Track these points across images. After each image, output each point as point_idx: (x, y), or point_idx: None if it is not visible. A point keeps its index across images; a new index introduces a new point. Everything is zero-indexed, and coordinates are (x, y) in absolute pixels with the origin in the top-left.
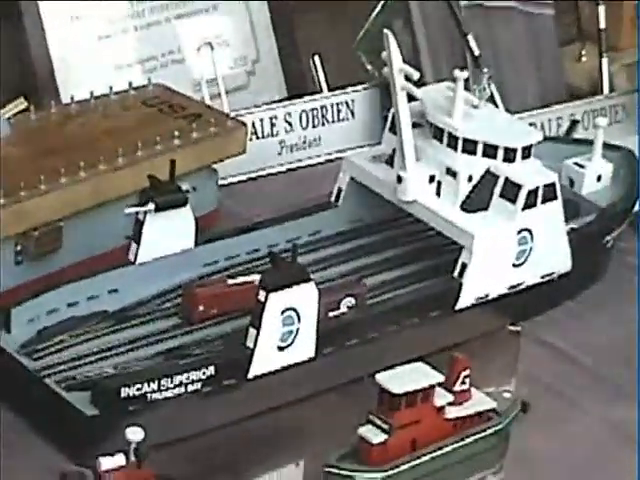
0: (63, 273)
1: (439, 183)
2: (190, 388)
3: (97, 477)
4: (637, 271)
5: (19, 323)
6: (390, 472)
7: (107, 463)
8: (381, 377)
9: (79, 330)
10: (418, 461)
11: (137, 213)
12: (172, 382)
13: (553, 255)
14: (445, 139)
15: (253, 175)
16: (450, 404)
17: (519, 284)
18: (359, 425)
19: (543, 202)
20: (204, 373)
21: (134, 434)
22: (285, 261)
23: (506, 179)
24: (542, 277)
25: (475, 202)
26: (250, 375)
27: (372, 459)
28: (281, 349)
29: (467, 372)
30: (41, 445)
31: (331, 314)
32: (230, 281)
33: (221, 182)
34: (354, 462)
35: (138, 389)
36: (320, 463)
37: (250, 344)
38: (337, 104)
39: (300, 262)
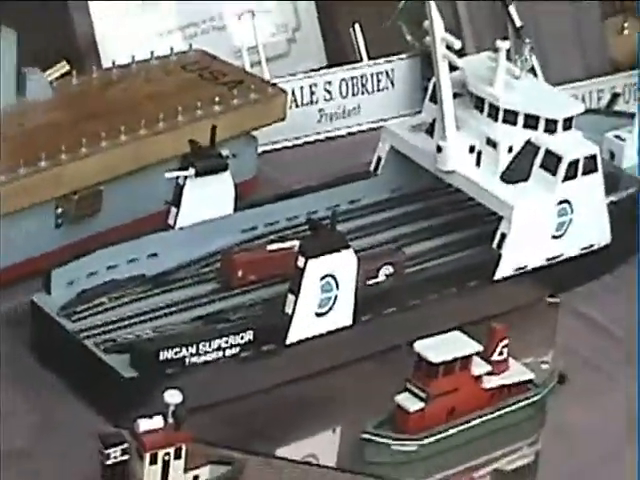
0: (103, 236)
1: (479, 153)
2: (228, 353)
3: (135, 439)
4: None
5: (59, 285)
6: (426, 440)
7: (145, 425)
8: (419, 345)
9: (118, 293)
10: (455, 430)
11: (177, 178)
12: (210, 346)
13: (592, 227)
14: (486, 109)
15: (292, 143)
16: (488, 374)
17: (558, 256)
18: (396, 393)
19: (584, 174)
20: (242, 338)
21: (172, 397)
22: (324, 228)
23: (547, 150)
24: (581, 249)
25: (515, 173)
26: (288, 341)
27: (409, 427)
28: (319, 315)
29: (505, 342)
30: (80, 406)
31: (369, 282)
32: (269, 247)
33: (260, 149)
34: (391, 430)
35: (176, 352)
36: (356, 430)
37: (288, 310)
38: (377, 73)
39: (339, 229)
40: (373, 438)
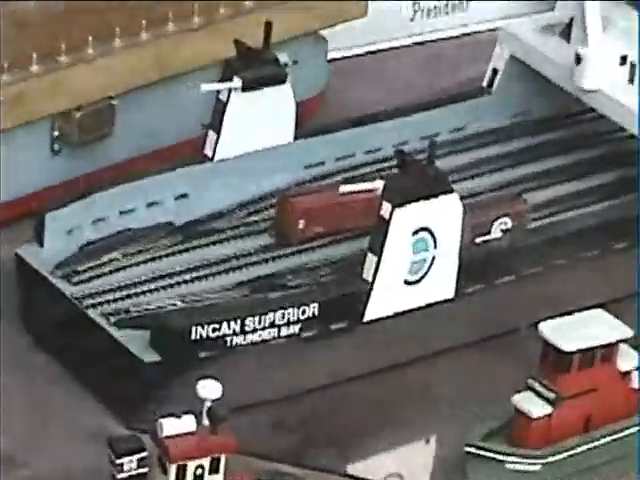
0: (115, 170)
1: (633, 66)
2: (284, 332)
3: (157, 445)
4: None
5: (55, 234)
6: (554, 457)
7: (171, 427)
8: (546, 328)
9: (136, 247)
10: (592, 444)
11: (218, 92)
12: (260, 322)
13: None
14: None
15: (375, 48)
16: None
17: None
18: (514, 392)
19: None
20: (304, 312)
21: (209, 390)
22: (418, 165)
23: None
24: None
25: None
26: (367, 317)
27: (530, 438)
28: (409, 284)
29: None
30: (83, 400)
31: (479, 239)
32: (342, 188)
33: (331, 55)
34: (505, 442)
35: (215, 329)
36: (458, 441)
37: (368, 276)
38: None
39: (438, 167)
40: (481, 452)
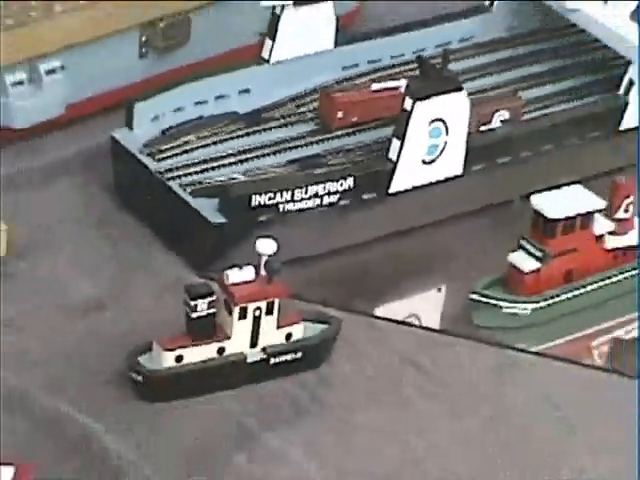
0: (191, 69)
1: None
2: (326, 200)
3: (224, 291)
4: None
5: (142, 120)
6: (541, 304)
7: (235, 276)
8: (536, 200)
9: (207, 131)
10: (572, 293)
11: (274, 7)
12: (307, 193)
13: None
14: None
15: None
16: (610, 233)
17: None
18: (509, 251)
19: None
20: (342, 185)
21: (265, 246)
22: (434, 68)
23: None
24: None
25: None
26: (391, 190)
27: (522, 288)
28: (426, 163)
29: (631, 199)
30: (164, 254)
31: (482, 128)
32: (374, 86)
33: None
34: (502, 291)
35: (270, 198)
36: (464, 290)
37: (393, 156)
38: None
39: (450, 69)
40: (483, 299)
